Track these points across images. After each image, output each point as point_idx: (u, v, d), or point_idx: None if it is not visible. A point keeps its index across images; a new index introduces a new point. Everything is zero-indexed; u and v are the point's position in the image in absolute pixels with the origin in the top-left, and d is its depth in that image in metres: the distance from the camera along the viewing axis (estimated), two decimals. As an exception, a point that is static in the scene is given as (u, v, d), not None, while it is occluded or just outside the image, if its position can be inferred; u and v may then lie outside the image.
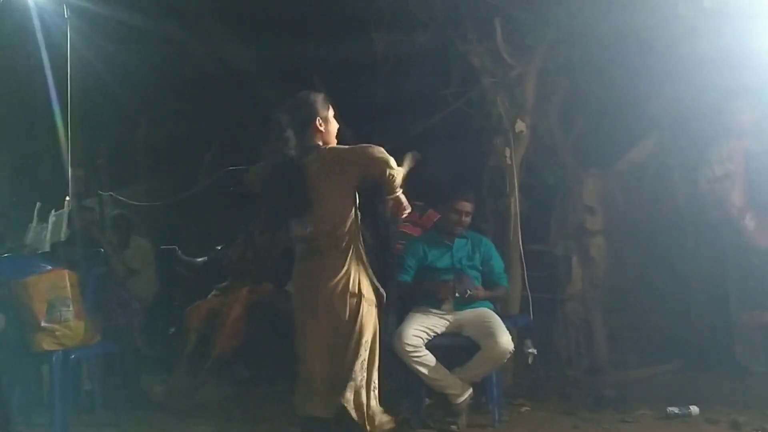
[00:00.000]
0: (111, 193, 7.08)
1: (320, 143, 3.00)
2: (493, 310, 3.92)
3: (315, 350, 2.97)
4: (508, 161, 4.50)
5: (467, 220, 4.02)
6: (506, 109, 4.46)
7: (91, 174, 6.84)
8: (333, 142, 3.06)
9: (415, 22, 4.81)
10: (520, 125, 4.46)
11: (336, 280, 2.94)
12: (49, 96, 6.55)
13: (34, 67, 6.53)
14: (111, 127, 7.04)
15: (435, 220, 4.42)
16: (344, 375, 2.92)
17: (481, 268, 4.03)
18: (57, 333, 3.80)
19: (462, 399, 3.76)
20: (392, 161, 2.94)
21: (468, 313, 3.89)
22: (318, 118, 2.99)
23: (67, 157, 6.63)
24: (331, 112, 3.07)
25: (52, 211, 7.53)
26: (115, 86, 6.39)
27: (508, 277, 4.27)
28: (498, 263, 4.08)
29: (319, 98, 3.05)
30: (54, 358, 3.80)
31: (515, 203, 4.49)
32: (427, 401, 4.00)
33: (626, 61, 4.51)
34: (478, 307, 3.91)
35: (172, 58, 6.22)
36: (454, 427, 3.77)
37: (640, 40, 4.39)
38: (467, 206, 4.00)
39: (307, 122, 2.99)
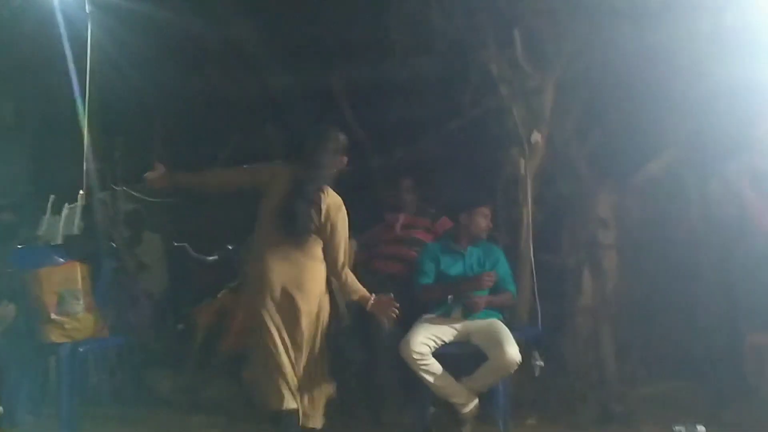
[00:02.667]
0: (125, 187, 7.11)
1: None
2: (502, 321, 3.91)
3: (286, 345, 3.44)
4: (523, 171, 4.49)
5: (483, 225, 4.07)
6: (523, 118, 4.45)
7: (106, 168, 6.88)
8: None
9: (434, 30, 4.81)
10: (536, 136, 4.45)
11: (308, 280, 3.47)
12: (68, 89, 6.60)
13: (55, 60, 6.58)
14: (127, 122, 7.07)
15: (448, 227, 4.42)
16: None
17: None
18: (66, 325, 3.83)
19: (468, 409, 3.76)
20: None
21: (477, 323, 3.88)
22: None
23: (83, 151, 6.68)
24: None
25: (66, 204, 7.59)
26: (134, 81, 6.42)
27: (518, 288, 4.26)
28: (504, 268, 4.07)
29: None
30: (62, 350, 3.83)
31: (528, 213, 4.47)
32: (433, 409, 3.99)
33: (645, 75, 4.48)
34: (487, 317, 3.91)
35: (192, 54, 6.24)
36: (458, 436, 3.76)
37: (661, 55, 4.37)
38: (489, 211, 4.09)
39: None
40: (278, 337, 3.43)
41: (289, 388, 3.43)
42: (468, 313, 3.89)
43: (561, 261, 4.72)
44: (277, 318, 3.44)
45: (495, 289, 4.01)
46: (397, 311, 3.55)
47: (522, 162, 4.47)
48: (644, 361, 4.66)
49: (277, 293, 3.44)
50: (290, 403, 3.41)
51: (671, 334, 4.66)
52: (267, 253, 3.48)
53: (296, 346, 3.46)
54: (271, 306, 3.44)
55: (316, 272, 3.53)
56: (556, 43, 4.52)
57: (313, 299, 3.49)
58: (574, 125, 4.74)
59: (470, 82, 4.75)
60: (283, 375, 3.41)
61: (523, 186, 4.49)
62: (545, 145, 4.54)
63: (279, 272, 3.45)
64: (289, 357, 3.44)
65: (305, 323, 3.46)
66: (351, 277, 3.58)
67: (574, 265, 4.68)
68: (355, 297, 3.60)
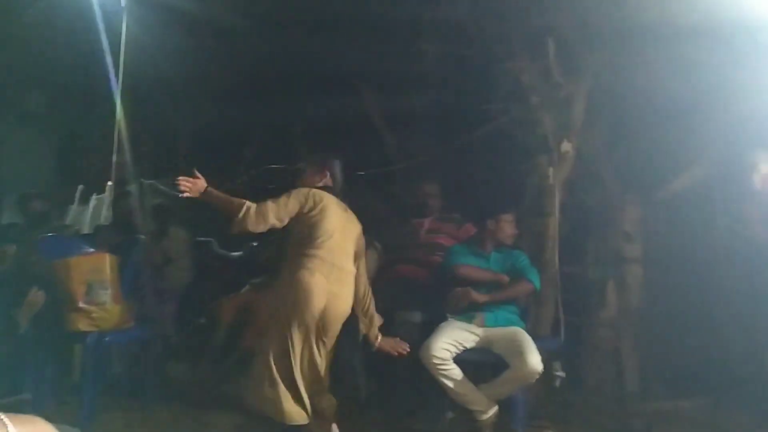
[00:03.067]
0: (152, 181, 7.18)
1: None
2: (525, 330, 3.90)
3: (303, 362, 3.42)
4: (551, 181, 4.48)
5: (505, 229, 4.08)
6: (552, 128, 4.44)
7: (135, 161, 6.95)
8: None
9: (465, 36, 4.81)
10: (566, 146, 4.44)
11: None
12: (99, 81, 6.68)
13: (88, 53, 6.67)
14: (157, 116, 7.14)
15: (472, 233, 4.42)
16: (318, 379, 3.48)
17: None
18: (93, 315, 3.84)
19: (486, 416, 3.72)
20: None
21: (499, 330, 3.87)
22: None
23: (113, 143, 6.76)
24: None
25: (93, 195, 7.68)
26: (166, 75, 6.49)
27: (542, 298, 4.25)
28: (525, 263, 4.05)
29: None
30: (88, 339, 3.84)
31: (554, 224, 4.46)
32: (450, 415, 3.98)
33: (676, 89, 4.46)
34: (509, 325, 3.90)
35: (222, 50, 6.29)
36: (476, 443, 3.74)
37: (691, 71, 4.34)
38: (513, 218, 4.11)
39: None
40: (299, 355, 3.42)
41: (303, 404, 3.41)
42: (458, 302, 3.91)
43: (585, 273, 4.70)
44: (309, 336, 3.43)
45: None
46: (406, 351, 3.67)
47: (550, 171, 4.46)
48: (666, 378, 4.62)
49: (316, 312, 3.40)
50: (303, 419, 3.41)
51: (694, 350, 4.62)
52: (314, 270, 3.42)
53: (313, 364, 3.47)
54: (306, 324, 3.40)
55: (350, 298, 3.57)
56: (588, 54, 4.51)
57: (340, 323, 3.53)
58: (603, 137, 4.73)
59: (500, 90, 4.75)
60: (298, 392, 3.39)
61: (550, 196, 4.48)
62: (574, 155, 4.53)
63: (322, 293, 3.41)
64: (303, 373, 3.43)
65: (329, 345, 3.51)
66: (372, 309, 3.69)
67: (598, 277, 4.66)
68: (365, 330, 3.68)
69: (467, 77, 4.99)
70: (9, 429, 1.37)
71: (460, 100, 5.01)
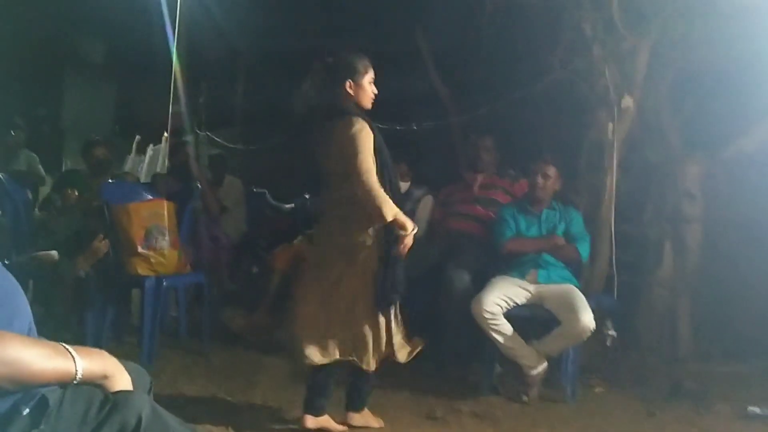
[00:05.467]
0: (207, 132, 7.29)
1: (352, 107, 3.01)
2: (578, 287, 3.86)
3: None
4: (610, 136, 4.36)
5: (547, 183, 3.97)
6: (614, 81, 4.30)
7: (191, 113, 7.05)
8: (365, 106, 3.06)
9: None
10: (627, 100, 4.30)
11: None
12: (157, 33, 6.76)
13: (147, 4, 6.73)
14: (213, 68, 7.20)
15: (526, 189, 4.36)
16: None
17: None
18: (152, 260, 3.94)
19: (536, 371, 3.73)
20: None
21: (552, 287, 3.85)
22: (349, 80, 3.00)
23: (170, 94, 6.86)
24: (368, 78, 3.04)
25: (150, 145, 7.86)
26: (222, 27, 6.51)
27: (596, 255, 4.19)
28: (577, 224, 4.00)
29: (357, 60, 3.04)
30: (147, 283, 3.95)
31: (612, 180, 4.35)
32: (499, 369, 4.00)
33: (745, 44, 4.26)
34: (562, 282, 3.87)
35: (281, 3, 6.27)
36: (524, 397, 3.75)
37: (762, 25, 4.14)
38: (548, 169, 3.98)
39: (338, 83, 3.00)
40: None
41: None
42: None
43: (642, 232, 4.60)
44: None
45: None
46: None
47: (610, 126, 4.34)
48: (721, 340, 4.53)
49: None
50: None
51: (751, 314, 4.51)
52: None
53: None
54: None
55: None
56: (654, 5, 4.33)
57: None
58: (667, 92, 4.57)
59: (561, 42, 4.61)
60: None
61: (609, 151, 4.36)
62: (636, 110, 4.39)
63: None
64: None
65: None
66: None
67: (656, 236, 4.56)
68: None
69: (527, 28, 4.85)
70: (77, 361, 1.43)
71: (519, 51, 4.89)
